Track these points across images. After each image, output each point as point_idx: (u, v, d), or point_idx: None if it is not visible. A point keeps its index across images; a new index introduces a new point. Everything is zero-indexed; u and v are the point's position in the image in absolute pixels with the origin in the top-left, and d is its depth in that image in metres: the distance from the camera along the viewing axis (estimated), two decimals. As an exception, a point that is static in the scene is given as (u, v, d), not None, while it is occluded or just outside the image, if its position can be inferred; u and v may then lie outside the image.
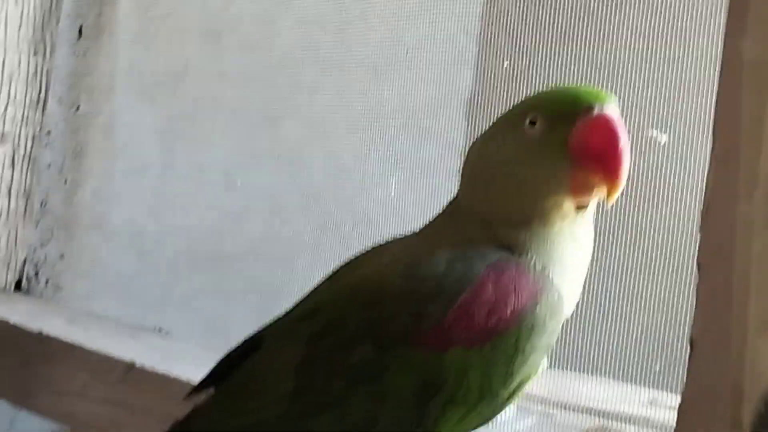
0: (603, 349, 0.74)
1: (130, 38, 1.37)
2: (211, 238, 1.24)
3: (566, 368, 0.77)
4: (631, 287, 0.73)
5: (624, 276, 0.73)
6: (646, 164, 0.64)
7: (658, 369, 0.70)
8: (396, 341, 0.56)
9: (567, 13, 0.86)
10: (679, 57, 0.73)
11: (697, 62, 0.69)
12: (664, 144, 0.67)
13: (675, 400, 0.49)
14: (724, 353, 0.42)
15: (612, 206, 0.59)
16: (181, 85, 1.30)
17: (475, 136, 0.63)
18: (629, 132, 0.56)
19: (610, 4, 0.81)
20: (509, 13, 0.91)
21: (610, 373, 0.74)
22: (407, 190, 1.02)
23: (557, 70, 0.87)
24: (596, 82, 0.79)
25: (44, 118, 1.39)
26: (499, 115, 0.62)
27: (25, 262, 1.39)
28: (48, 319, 1.13)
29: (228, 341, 0.65)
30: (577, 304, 0.59)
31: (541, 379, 0.85)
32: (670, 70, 0.73)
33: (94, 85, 1.37)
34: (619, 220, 0.72)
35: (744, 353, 0.41)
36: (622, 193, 0.56)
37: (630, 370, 0.72)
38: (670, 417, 0.52)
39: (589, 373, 0.76)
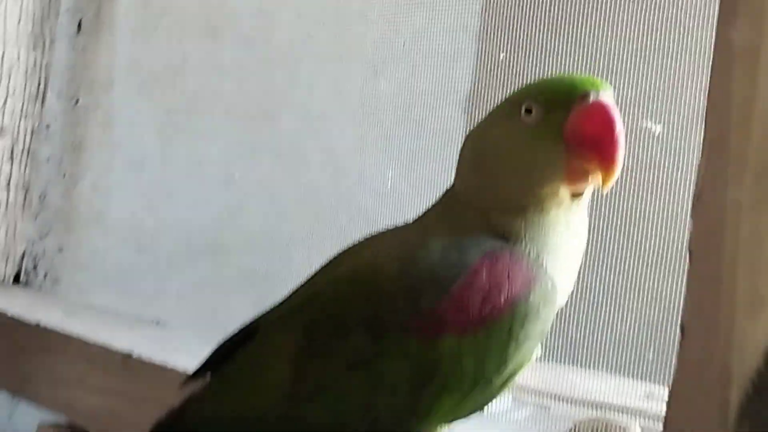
0: (596, 336, 0.74)
1: (128, 33, 1.37)
2: (209, 231, 1.24)
3: (559, 356, 0.77)
4: (624, 276, 0.73)
5: (618, 265, 0.73)
6: (640, 155, 0.65)
7: (651, 357, 0.70)
8: (391, 328, 0.56)
9: (566, 6, 0.86)
10: (673, 48, 0.73)
11: (692, 53, 0.70)
12: (658, 135, 0.68)
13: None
14: (714, 337, 0.42)
15: (606, 196, 0.59)
16: (179, 80, 1.30)
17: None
18: (624, 123, 0.56)
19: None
20: (508, 6, 0.92)
21: (603, 360, 0.74)
22: (404, 184, 1.02)
23: (556, 63, 0.87)
24: (594, 74, 0.79)
25: (43, 111, 1.39)
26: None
27: (23, 255, 1.40)
28: (46, 311, 1.13)
29: (225, 333, 0.65)
30: (571, 292, 0.60)
31: (537, 371, 0.86)
32: (664, 62, 0.74)
33: (93, 79, 1.38)
34: (613, 210, 0.72)
35: (732, 336, 0.41)
36: (616, 183, 0.56)
37: (623, 357, 0.73)
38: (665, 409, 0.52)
39: (583, 361, 0.76)
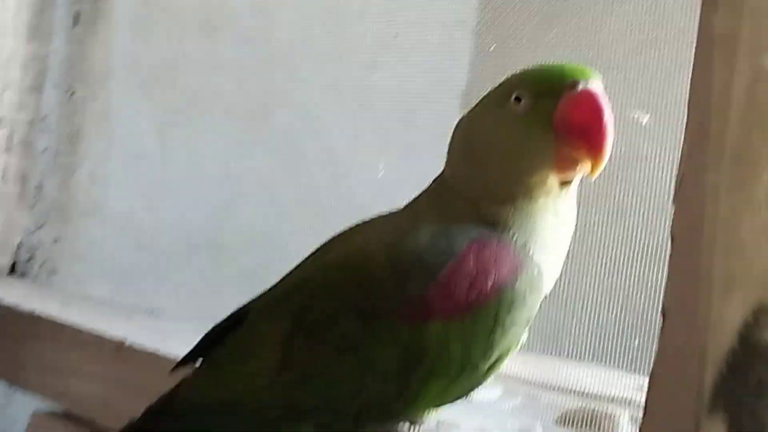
0: (582, 324, 0.75)
1: (126, 26, 1.38)
2: (206, 225, 1.25)
3: (545, 343, 0.78)
4: (610, 263, 0.74)
5: (604, 253, 0.74)
6: (627, 144, 0.65)
7: (636, 344, 0.71)
8: (380, 314, 0.57)
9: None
10: (661, 39, 0.73)
11: (679, 44, 0.70)
12: (646, 124, 0.68)
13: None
14: (693, 320, 0.43)
15: (593, 184, 0.60)
16: (177, 76, 1.31)
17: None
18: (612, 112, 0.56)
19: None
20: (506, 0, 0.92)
21: (588, 347, 0.75)
22: (401, 179, 1.03)
23: (552, 56, 0.87)
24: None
25: (40, 103, 1.40)
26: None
27: (19, 245, 1.40)
28: (41, 301, 1.14)
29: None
30: (557, 280, 0.60)
31: (527, 361, 0.86)
32: (652, 52, 0.74)
33: (89, 72, 1.38)
34: (600, 199, 0.73)
35: (709, 317, 0.42)
36: (602, 173, 0.57)
37: (608, 345, 0.73)
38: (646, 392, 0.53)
39: (569, 348, 0.77)
